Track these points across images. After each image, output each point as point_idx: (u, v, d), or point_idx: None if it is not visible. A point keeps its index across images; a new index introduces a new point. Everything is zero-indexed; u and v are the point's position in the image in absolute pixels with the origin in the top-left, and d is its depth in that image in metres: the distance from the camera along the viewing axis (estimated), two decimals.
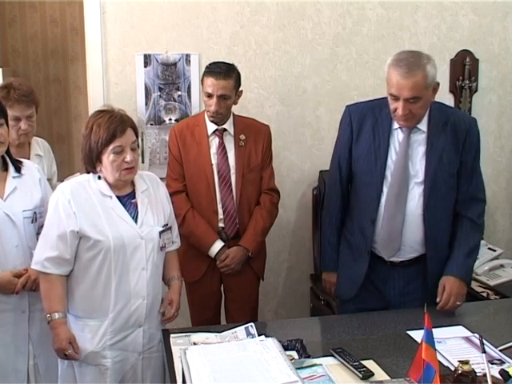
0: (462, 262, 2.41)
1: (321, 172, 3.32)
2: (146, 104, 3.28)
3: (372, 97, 2.64)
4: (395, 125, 2.39)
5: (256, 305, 3.03)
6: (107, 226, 2.11)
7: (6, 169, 2.33)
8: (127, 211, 2.17)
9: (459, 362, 1.73)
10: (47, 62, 5.08)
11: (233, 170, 2.82)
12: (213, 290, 2.91)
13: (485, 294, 3.04)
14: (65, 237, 2.08)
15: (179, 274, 2.39)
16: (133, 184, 2.22)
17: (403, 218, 2.37)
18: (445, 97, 3.55)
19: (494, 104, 3.67)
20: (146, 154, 3.32)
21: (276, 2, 3.33)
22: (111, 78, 3.24)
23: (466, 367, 1.70)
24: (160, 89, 3.28)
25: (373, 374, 1.86)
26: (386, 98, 2.35)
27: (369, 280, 2.48)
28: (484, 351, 1.73)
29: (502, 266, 3.30)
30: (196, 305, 2.94)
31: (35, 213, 2.33)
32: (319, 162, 3.42)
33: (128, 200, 2.19)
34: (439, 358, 1.80)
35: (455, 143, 2.38)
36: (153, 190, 2.27)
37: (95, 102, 3.21)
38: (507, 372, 1.76)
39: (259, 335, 2.06)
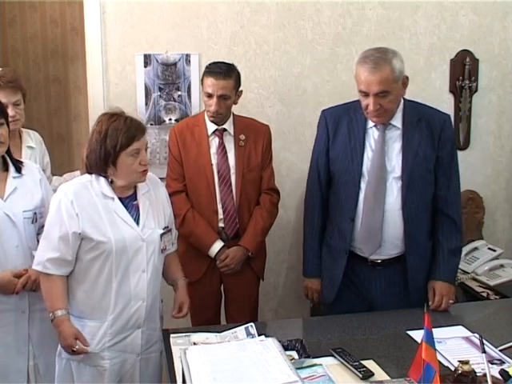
0: (445, 265, 2.46)
1: None
2: (146, 104, 3.27)
3: None
4: (370, 123, 2.43)
5: (256, 305, 3.02)
6: (109, 227, 2.10)
7: (6, 169, 2.33)
8: (129, 213, 2.16)
9: (459, 361, 1.74)
10: (47, 62, 5.07)
11: (233, 170, 2.82)
12: (213, 289, 2.91)
13: (485, 294, 3.04)
14: (67, 238, 2.08)
15: (183, 275, 2.40)
16: (134, 186, 2.22)
17: (382, 213, 2.39)
18: (445, 97, 3.57)
19: (494, 104, 3.67)
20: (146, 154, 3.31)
21: (276, 2, 3.33)
22: (111, 77, 3.23)
23: (466, 367, 1.70)
24: (160, 89, 3.28)
25: (373, 374, 1.86)
26: (359, 100, 2.38)
27: (350, 281, 2.51)
28: (484, 351, 1.73)
29: (502, 265, 3.30)
30: (196, 305, 2.92)
31: (35, 213, 2.33)
32: None
33: (129, 202, 2.19)
34: (439, 357, 1.81)
35: (430, 139, 2.42)
36: (153, 192, 2.27)
37: (95, 102, 3.22)
38: (507, 372, 1.76)
39: (259, 335, 2.06)
